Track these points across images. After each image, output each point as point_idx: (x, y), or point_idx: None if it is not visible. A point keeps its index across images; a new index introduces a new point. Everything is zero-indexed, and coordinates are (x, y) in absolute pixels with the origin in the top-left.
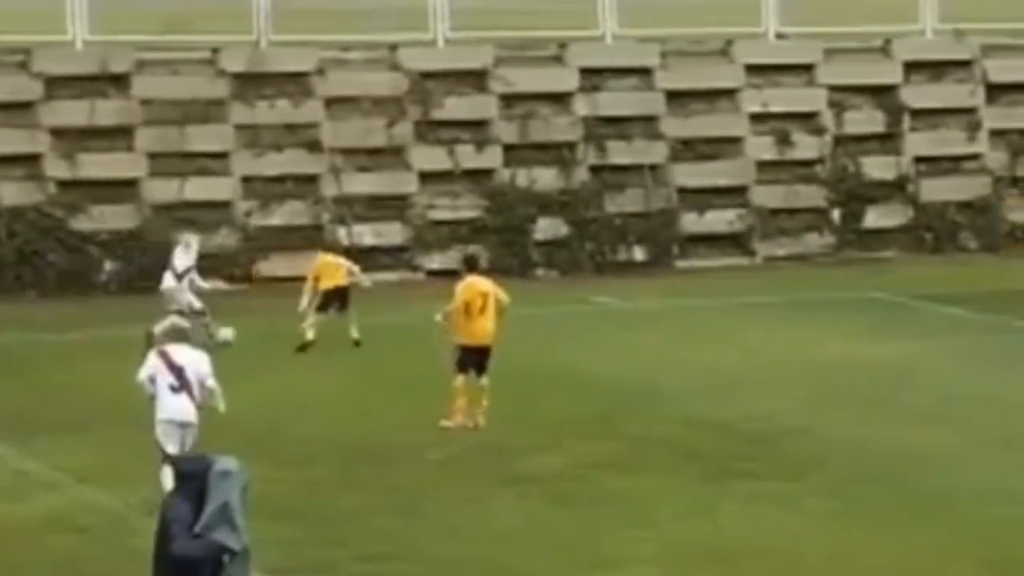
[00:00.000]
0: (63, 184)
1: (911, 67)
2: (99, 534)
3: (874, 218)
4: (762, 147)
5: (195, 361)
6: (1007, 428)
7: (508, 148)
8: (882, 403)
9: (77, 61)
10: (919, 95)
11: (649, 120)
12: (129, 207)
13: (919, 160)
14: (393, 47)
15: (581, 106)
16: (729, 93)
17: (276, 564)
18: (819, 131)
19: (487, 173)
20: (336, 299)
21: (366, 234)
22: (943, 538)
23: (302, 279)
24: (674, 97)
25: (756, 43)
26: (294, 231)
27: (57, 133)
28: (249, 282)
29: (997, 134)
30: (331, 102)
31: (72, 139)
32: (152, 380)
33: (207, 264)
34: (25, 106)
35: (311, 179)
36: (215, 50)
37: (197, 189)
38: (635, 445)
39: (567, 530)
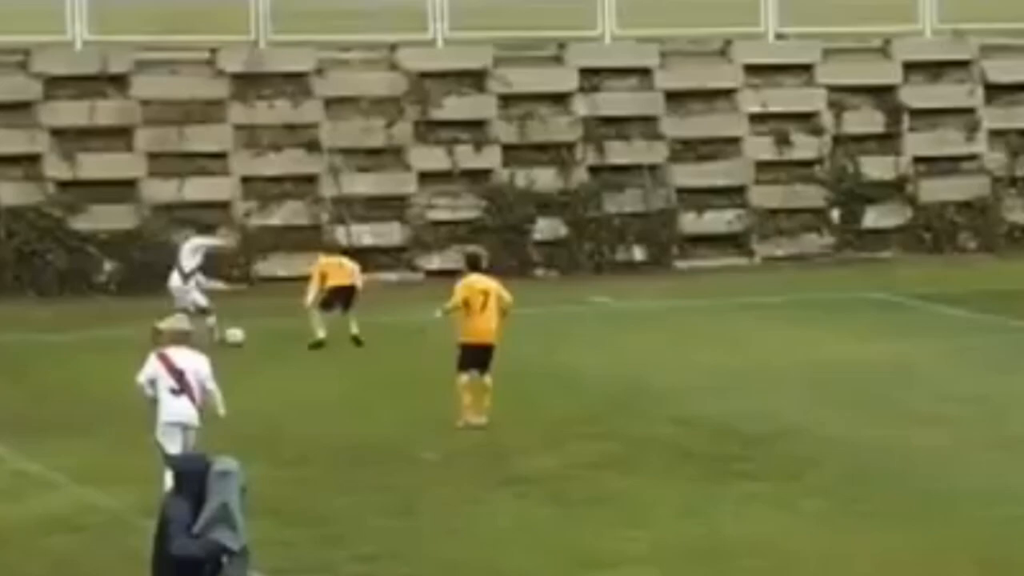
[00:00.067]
0: (62, 184)
1: (910, 67)
2: (97, 534)
3: (873, 218)
4: (761, 147)
5: (196, 364)
6: (1004, 428)
7: (507, 148)
8: (879, 403)
9: (76, 61)
10: (918, 95)
11: (648, 120)
12: (128, 207)
13: (918, 160)
14: (392, 47)
15: (580, 106)
16: (728, 93)
17: (273, 564)
18: (818, 131)
19: (486, 173)
20: (342, 297)
21: (365, 234)
22: (939, 538)
23: (301, 279)
24: (673, 97)
25: (755, 43)
26: (293, 231)
27: (56, 133)
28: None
29: (996, 134)
30: (330, 102)
31: (71, 139)
32: (152, 383)
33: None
34: (24, 106)
35: (310, 179)
36: (214, 50)
37: (196, 189)
38: (632, 445)
39: (563, 530)
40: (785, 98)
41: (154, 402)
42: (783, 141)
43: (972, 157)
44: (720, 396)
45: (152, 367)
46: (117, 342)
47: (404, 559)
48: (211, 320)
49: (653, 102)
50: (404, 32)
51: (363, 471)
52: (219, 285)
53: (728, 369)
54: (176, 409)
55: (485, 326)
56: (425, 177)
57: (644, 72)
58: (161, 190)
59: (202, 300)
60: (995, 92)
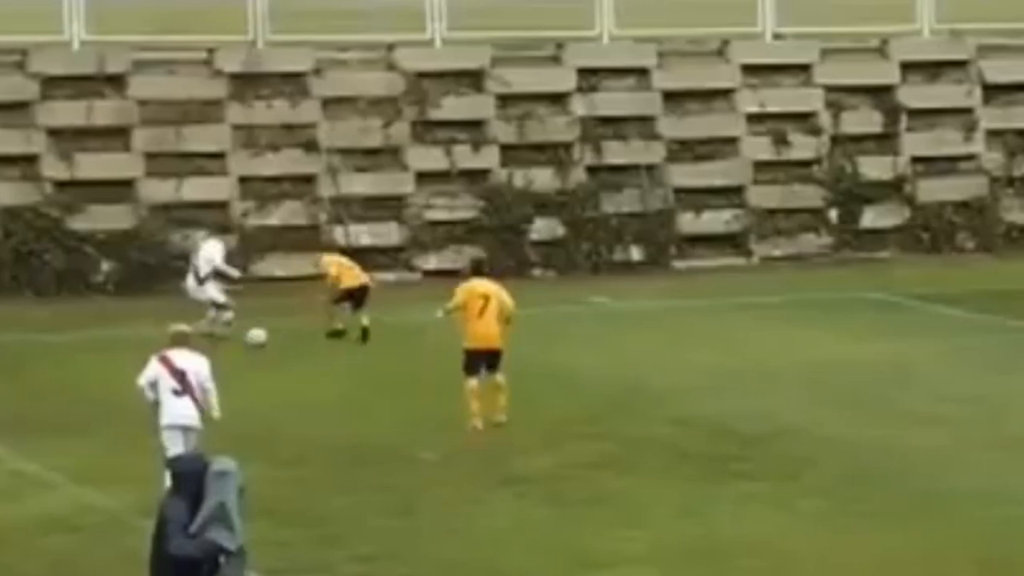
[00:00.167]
0: (60, 184)
1: (908, 67)
2: (95, 534)
3: (871, 218)
4: (759, 147)
5: (196, 364)
6: (1002, 428)
7: (505, 148)
8: (877, 403)
9: (74, 61)
10: (916, 95)
11: (646, 120)
12: (126, 207)
13: (916, 160)
14: (390, 47)
15: (578, 106)
16: (726, 93)
17: (271, 564)
18: (816, 131)
19: (484, 173)
20: (355, 297)
21: (363, 234)
22: (937, 538)
23: (299, 279)
24: (671, 97)
25: (753, 43)
26: (291, 231)
27: (54, 133)
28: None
29: (994, 134)
30: (328, 102)
31: (69, 139)
32: (153, 385)
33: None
34: (22, 106)
35: (308, 179)
36: (212, 50)
37: (194, 189)
38: (630, 445)
39: (562, 530)
40: (783, 98)
41: (155, 405)
42: (781, 141)
43: (970, 157)
44: (718, 396)
45: (153, 369)
46: (115, 342)
47: (402, 559)
48: (228, 315)
49: (651, 102)
50: (402, 32)
51: (361, 471)
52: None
53: (726, 369)
54: (178, 411)
55: (484, 331)
56: (423, 177)
57: (642, 72)
58: (159, 190)
59: (219, 296)
60: (993, 92)
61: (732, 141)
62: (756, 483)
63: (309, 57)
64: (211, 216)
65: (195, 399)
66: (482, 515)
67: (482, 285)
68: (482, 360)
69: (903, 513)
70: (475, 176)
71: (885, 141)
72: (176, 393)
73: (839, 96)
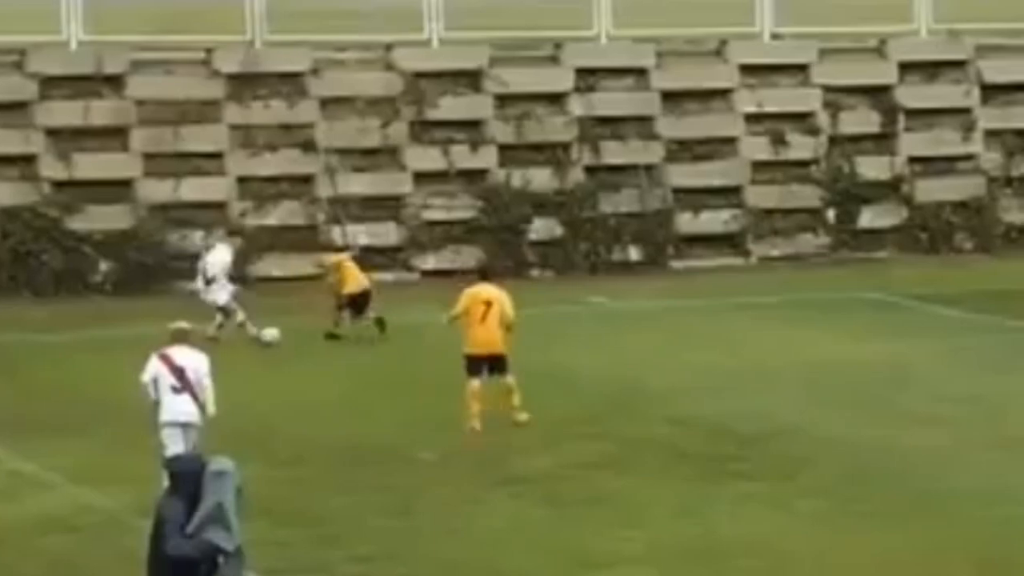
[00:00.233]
0: (58, 184)
1: (906, 67)
2: (93, 534)
3: (869, 218)
4: (757, 147)
5: (195, 361)
6: (1001, 428)
7: (503, 148)
8: (875, 403)
9: (72, 61)
10: (914, 95)
11: (644, 120)
12: (124, 207)
13: (914, 160)
14: (388, 47)
15: (576, 106)
16: (724, 93)
17: (270, 564)
18: (814, 131)
19: (482, 173)
20: (357, 303)
21: (361, 234)
22: (936, 538)
23: (297, 279)
24: (669, 97)
25: (751, 43)
26: (289, 231)
27: (52, 133)
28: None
29: (992, 134)
30: (326, 102)
31: (67, 139)
32: (154, 383)
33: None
34: (20, 106)
35: (306, 179)
36: (209, 50)
37: (192, 189)
38: (627, 445)
39: (560, 530)
40: (781, 98)
41: (157, 403)
42: (779, 141)
43: (968, 157)
44: (716, 396)
45: (154, 366)
46: (113, 342)
47: (401, 559)
48: (240, 319)
49: (649, 102)
50: (400, 32)
51: (360, 471)
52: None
53: (724, 369)
54: (177, 408)
55: (485, 336)
56: (421, 177)
57: (640, 72)
58: (157, 190)
59: (220, 299)
60: (991, 92)
61: (730, 141)
62: (754, 483)
63: (307, 57)
64: (209, 216)
65: (194, 396)
66: (481, 515)
67: (486, 291)
68: (483, 365)
69: (902, 513)
70: (473, 176)
71: (883, 141)
72: (175, 390)
73: (837, 96)
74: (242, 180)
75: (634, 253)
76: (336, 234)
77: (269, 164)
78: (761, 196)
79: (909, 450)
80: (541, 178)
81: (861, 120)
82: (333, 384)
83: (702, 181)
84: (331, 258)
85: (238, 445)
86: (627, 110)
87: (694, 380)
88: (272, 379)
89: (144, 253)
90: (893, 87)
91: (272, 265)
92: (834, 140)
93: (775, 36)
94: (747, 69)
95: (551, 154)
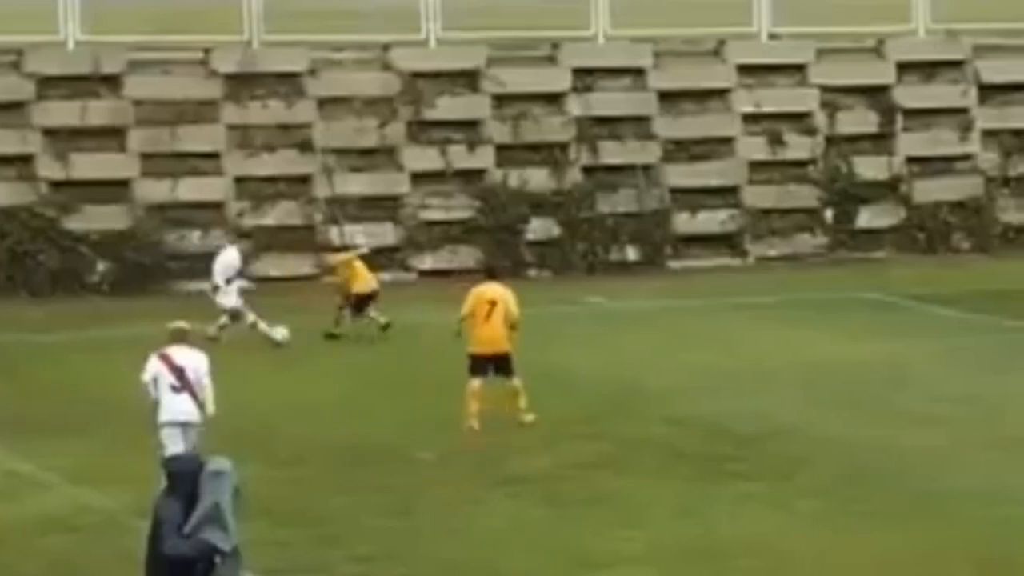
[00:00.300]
0: (55, 184)
1: (904, 67)
2: (93, 534)
3: (866, 218)
4: (754, 147)
5: (194, 361)
6: (999, 428)
7: (500, 148)
8: (873, 403)
9: (69, 61)
10: (911, 95)
11: (641, 120)
12: (121, 207)
13: (912, 160)
14: (385, 47)
15: (574, 106)
16: (721, 93)
17: (269, 564)
18: (811, 131)
19: (479, 173)
20: (361, 304)
21: (358, 234)
22: (935, 538)
23: (295, 279)
24: (666, 97)
25: (748, 43)
26: (286, 231)
27: (49, 133)
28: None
29: (989, 134)
30: (323, 102)
31: (64, 139)
32: (155, 382)
33: (198, 265)
34: (17, 106)
35: (303, 179)
36: (207, 50)
37: (189, 189)
38: (626, 445)
39: (559, 530)
40: (778, 98)
41: (156, 403)
42: (776, 141)
43: (966, 157)
44: (714, 396)
45: (154, 366)
46: (110, 342)
47: (400, 559)
48: (252, 320)
49: (646, 102)
50: (397, 32)
51: (359, 471)
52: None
53: (721, 369)
54: (177, 407)
55: (489, 335)
56: (418, 177)
57: (637, 72)
58: (154, 190)
59: (227, 303)
60: (988, 92)
61: (728, 141)
62: (753, 483)
63: (304, 57)
64: (206, 216)
65: (194, 395)
66: (480, 515)
67: (491, 290)
68: (488, 364)
69: (901, 513)
70: (470, 176)
71: (881, 141)
72: (175, 390)
73: (835, 96)
74: (239, 180)
75: (631, 253)
76: (334, 234)
77: (267, 164)
78: (759, 196)
79: (907, 450)
80: (538, 178)
81: (859, 120)
82: (332, 384)
83: (699, 181)
84: (338, 256)
85: (237, 445)
86: (624, 110)
87: (692, 380)
88: (271, 379)
89: (141, 253)
90: (891, 87)
91: (269, 265)
92: (832, 140)
93: (772, 36)
94: (744, 69)
95: (548, 154)
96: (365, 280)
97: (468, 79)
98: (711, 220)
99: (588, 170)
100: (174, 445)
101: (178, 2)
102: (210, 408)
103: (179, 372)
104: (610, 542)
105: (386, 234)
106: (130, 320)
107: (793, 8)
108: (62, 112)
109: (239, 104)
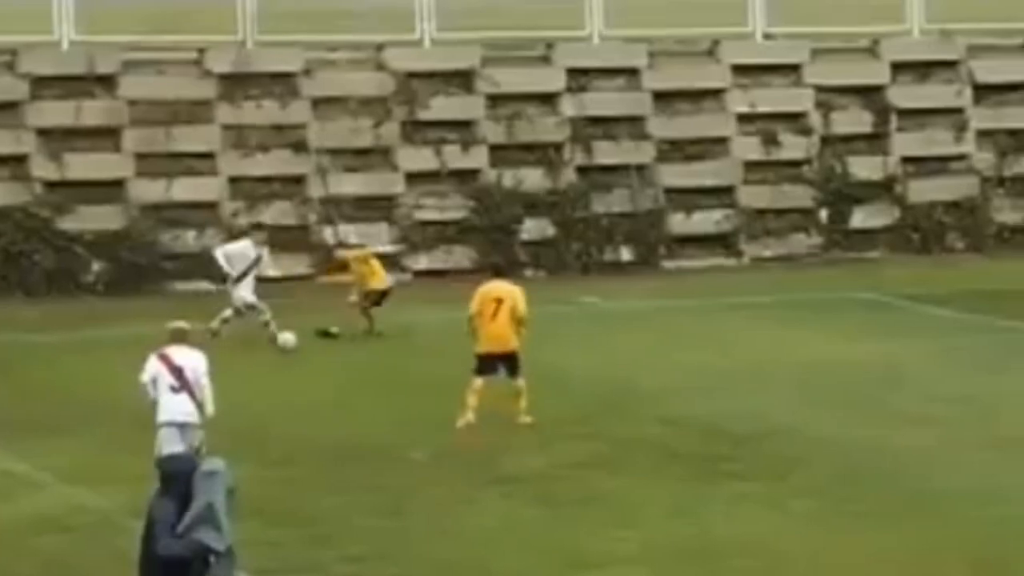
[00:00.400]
0: (49, 184)
1: (898, 67)
2: (87, 535)
3: (861, 218)
4: (749, 147)
5: (193, 360)
6: (993, 428)
7: (495, 148)
8: (868, 403)
9: (63, 61)
10: (906, 95)
11: (636, 120)
12: (116, 207)
13: (906, 160)
14: (379, 47)
15: (568, 106)
16: (716, 93)
17: (261, 564)
18: (806, 131)
19: (474, 173)
20: (382, 300)
21: (353, 234)
22: (930, 538)
23: (289, 279)
24: (661, 97)
25: (743, 43)
26: (281, 231)
27: (43, 133)
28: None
29: (984, 134)
30: (318, 102)
31: (58, 139)
32: (154, 382)
33: (193, 265)
34: (11, 106)
35: (298, 180)
36: (201, 50)
37: (184, 190)
38: (620, 445)
39: (553, 530)
40: (773, 98)
41: (156, 403)
42: (771, 141)
43: (960, 157)
44: (708, 396)
45: (153, 366)
46: (104, 342)
47: (393, 559)
48: (266, 317)
49: (641, 102)
50: (391, 32)
51: (351, 471)
52: (204, 285)
53: (716, 369)
54: (175, 408)
55: (496, 333)
56: (413, 177)
57: (632, 72)
58: (149, 190)
59: (248, 298)
60: (983, 92)
61: (722, 141)
62: (748, 483)
63: (299, 57)
64: (201, 216)
65: (192, 396)
66: (473, 515)
67: (497, 289)
68: (496, 364)
69: (895, 513)
70: (465, 176)
71: (875, 141)
72: (174, 390)
73: (829, 96)
74: (234, 180)
75: (626, 253)
76: (328, 234)
77: (261, 164)
78: (753, 196)
79: (901, 450)
80: (533, 178)
81: (853, 120)
82: (326, 384)
83: (694, 181)
84: (352, 252)
85: (231, 445)
86: (619, 110)
87: (686, 380)
88: (266, 379)
89: (136, 253)
90: (885, 87)
91: (264, 265)
92: (826, 140)
93: (767, 36)
94: (739, 69)
95: (543, 154)
96: (382, 277)
97: (462, 79)
98: (706, 220)
99: (582, 170)
100: (171, 445)
101: (172, 2)
102: (210, 409)
103: (178, 372)
104: (604, 542)
105: (380, 234)
106: (125, 320)
107: (787, 8)
108: (56, 112)
109: (233, 104)
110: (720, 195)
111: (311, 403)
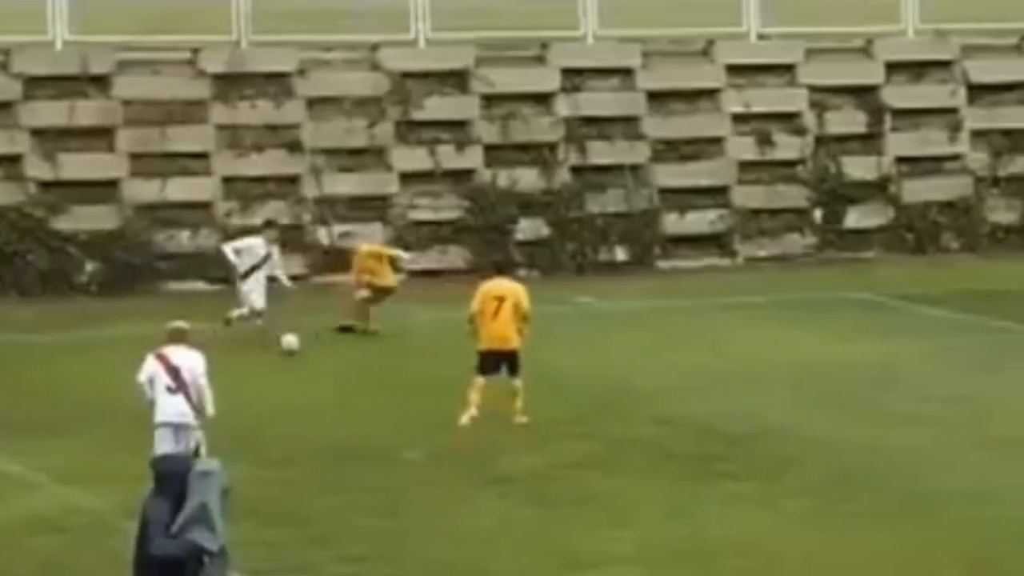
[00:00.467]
0: (44, 184)
1: (892, 67)
2: (82, 535)
3: (855, 218)
4: (743, 147)
5: (190, 361)
6: (986, 428)
7: (489, 148)
8: (862, 403)
9: (57, 61)
10: (900, 95)
11: (630, 120)
12: (110, 208)
13: (901, 160)
14: (374, 47)
15: (562, 106)
16: (710, 93)
17: (257, 565)
18: (800, 131)
19: (468, 173)
20: (384, 297)
21: (347, 235)
22: (925, 538)
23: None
24: (655, 97)
25: (737, 43)
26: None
27: (37, 133)
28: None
29: (978, 134)
30: (312, 102)
31: (52, 139)
32: (151, 382)
33: (187, 265)
34: (5, 106)
35: (292, 180)
36: (196, 50)
37: (178, 190)
38: (615, 445)
39: (548, 530)
40: (767, 98)
41: (152, 404)
42: (765, 141)
43: (955, 157)
44: (703, 396)
45: (150, 366)
46: (99, 342)
47: (389, 559)
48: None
49: (635, 102)
50: (386, 32)
51: (348, 471)
52: (199, 286)
53: (711, 369)
54: (171, 408)
55: (498, 331)
56: (407, 177)
57: (626, 72)
58: (143, 190)
59: (258, 302)
60: (977, 92)
61: (717, 141)
62: (742, 483)
63: (293, 57)
64: (195, 216)
65: (189, 396)
66: (469, 515)
67: (498, 287)
68: (497, 362)
69: (890, 513)
70: (459, 176)
71: (869, 141)
72: (170, 390)
73: (823, 96)
74: (228, 180)
75: (621, 253)
76: (322, 234)
77: (255, 164)
78: (748, 196)
79: (896, 450)
80: (527, 178)
81: (847, 120)
82: (322, 384)
83: (689, 181)
84: (366, 247)
85: (227, 445)
86: (613, 110)
87: (681, 380)
88: (263, 379)
89: (130, 253)
90: (880, 87)
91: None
92: (821, 140)
93: (761, 36)
94: (734, 69)
95: (537, 154)
96: (389, 276)
97: (457, 79)
98: (700, 220)
99: (577, 170)
100: (165, 446)
101: (166, 2)
102: (209, 409)
103: (175, 372)
104: (599, 542)
105: (375, 234)
106: (119, 320)
107: (782, 8)
108: (50, 112)
109: (228, 104)
110: (714, 195)
111: (308, 403)
